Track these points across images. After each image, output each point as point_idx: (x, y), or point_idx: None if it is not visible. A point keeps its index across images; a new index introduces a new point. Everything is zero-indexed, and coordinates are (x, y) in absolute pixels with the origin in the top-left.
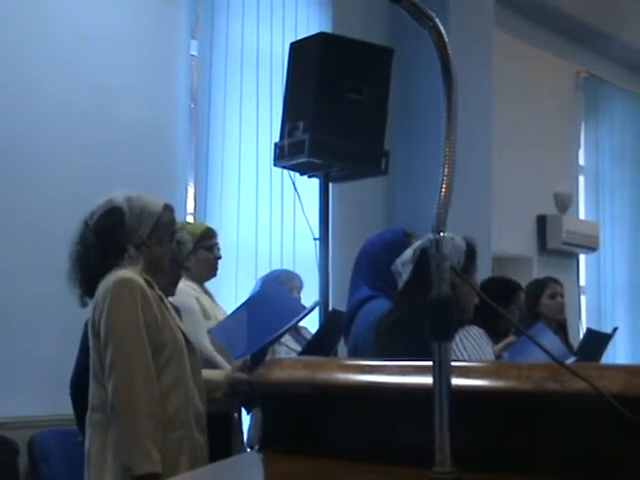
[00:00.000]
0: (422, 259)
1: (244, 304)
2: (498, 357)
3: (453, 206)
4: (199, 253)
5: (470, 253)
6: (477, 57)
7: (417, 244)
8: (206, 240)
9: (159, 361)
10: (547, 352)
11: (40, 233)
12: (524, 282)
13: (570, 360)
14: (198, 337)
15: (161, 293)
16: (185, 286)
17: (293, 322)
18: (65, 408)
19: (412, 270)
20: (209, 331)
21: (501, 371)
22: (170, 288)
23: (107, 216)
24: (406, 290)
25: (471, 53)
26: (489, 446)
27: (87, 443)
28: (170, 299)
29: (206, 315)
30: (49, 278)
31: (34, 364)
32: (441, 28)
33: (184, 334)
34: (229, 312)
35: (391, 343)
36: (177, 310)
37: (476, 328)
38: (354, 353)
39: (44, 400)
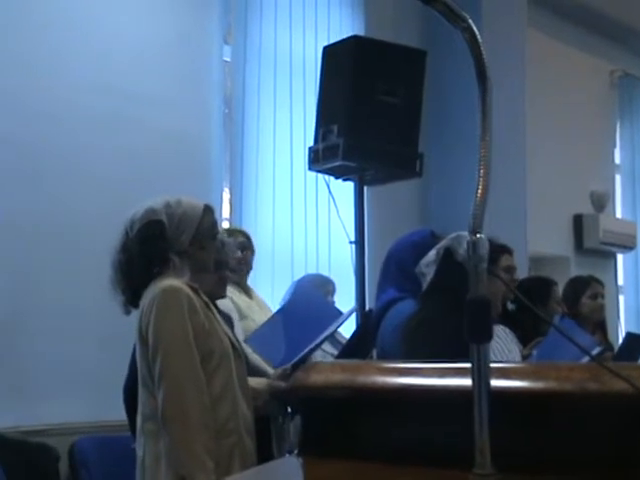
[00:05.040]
0: (445, 259)
1: (279, 311)
2: (527, 356)
3: (488, 206)
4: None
5: (493, 253)
6: (510, 57)
7: (440, 244)
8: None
9: (208, 369)
10: (582, 349)
11: (80, 242)
12: (561, 282)
13: (596, 351)
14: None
15: (207, 299)
16: None
17: (332, 329)
18: (105, 414)
19: (435, 270)
20: (245, 341)
21: (540, 372)
22: (217, 290)
23: (147, 228)
24: (430, 291)
25: (504, 53)
26: (529, 447)
27: (140, 452)
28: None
29: (241, 314)
30: (87, 286)
31: (74, 371)
32: (474, 29)
33: (231, 340)
34: (266, 314)
35: (417, 343)
36: (227, 318)
37: (502, 327)
38: (382, 355)
39: (84, 407)
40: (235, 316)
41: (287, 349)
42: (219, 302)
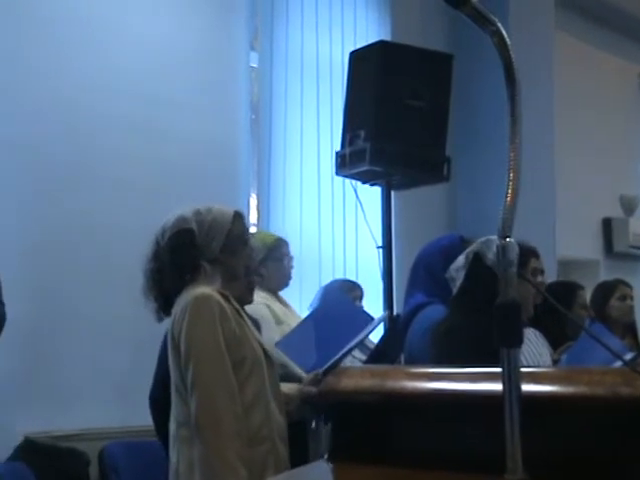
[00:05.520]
0: (474, 264)
1: (310, 316)
2: (556, 361)
3: (517, 210)
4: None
5: (522, 256)
6: (538, 60)
7: (469, 249)
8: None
9: (240, 376)
10: (615, 354)
11: (110, 248)
12: (590, 286)
13: (629, 356)
14: (271, 344)
15: (238, 306)
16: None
17: (363, 335)
18: (135, 420)
19: (465, 275)
20: (275, 345)
21: (572, 376)
22: (246, 295)
23: (177, 236)
24: (460, 295)
25: (533, 56)
26: (561, 452)
27: (174, 459)
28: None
29: (278, 321)
30: (117, 292)
31: (104, 376)
32: (503, 32)
33: (262, 347)
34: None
35: (447, 348)
36: (255, 322)
37: (533, 330)
38: (410, 360)
39: (114, 412)
40: (271, 321)
41: (318, 354)
42: (252, 307)
